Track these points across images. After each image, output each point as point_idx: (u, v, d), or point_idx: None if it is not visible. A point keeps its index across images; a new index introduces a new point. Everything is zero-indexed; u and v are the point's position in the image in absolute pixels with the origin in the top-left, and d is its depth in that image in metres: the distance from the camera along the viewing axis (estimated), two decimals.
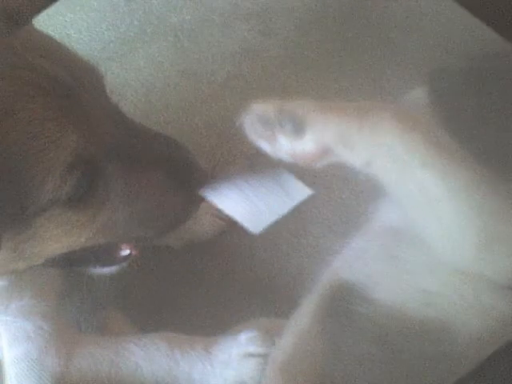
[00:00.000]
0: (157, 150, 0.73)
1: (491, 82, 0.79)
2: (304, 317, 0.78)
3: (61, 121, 0.63)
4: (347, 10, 1.25)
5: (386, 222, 0.81)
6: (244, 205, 0.71)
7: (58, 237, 0.69)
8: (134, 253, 0.85)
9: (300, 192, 0.73)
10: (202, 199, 0.78)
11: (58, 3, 1.33)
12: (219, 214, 1.04)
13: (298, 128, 0.68)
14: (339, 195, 1.06)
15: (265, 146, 0.72)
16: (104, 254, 0.83)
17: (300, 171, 1.07)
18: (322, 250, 0.97)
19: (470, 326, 0.68)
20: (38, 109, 0.62)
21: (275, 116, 0.69)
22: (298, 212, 1.06)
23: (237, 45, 1.24)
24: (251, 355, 0.85)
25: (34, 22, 0.74)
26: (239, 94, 1.18)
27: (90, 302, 0.98)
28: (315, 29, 1.24)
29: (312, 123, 0.68)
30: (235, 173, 0.74)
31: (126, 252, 0.85)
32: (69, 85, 0.65)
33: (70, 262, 0.79)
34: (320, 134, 0.68)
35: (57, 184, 0.63)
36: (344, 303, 0.74)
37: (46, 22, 1.32)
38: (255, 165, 0.74)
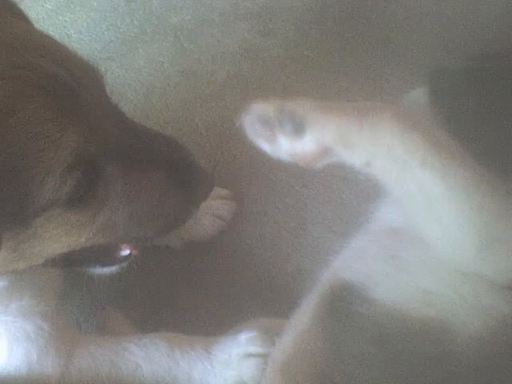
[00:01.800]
0: (157, 150, 0.73)
1: (491, 82, 0.79)
2: (304, 317, 0.78)
3: (61, 121, 0.63)
4: (347, 10, 1.25)
5: (386, 222, 0.81)
6: None
7: (57, 237, 0.69)
8: (134, 253, 0.85)
9: None
10: (202, 199, 0.78)
11: (57, 3, 1.33)
12: (219, 214, 1.04)
13: (298, 128, 0.68)
14: (339, 195, 1.06)
15: (265, 146, 0.72)
16: (104, 253, 0.83)
17: (300, 171, 1.08)
18: (322, 250, 0.97)
19: (470, 326, 0.67)
20: (38, 109, 0.62)
21: (275, 116, 0.69)
22: (298, 212, 1.07)
23: (237, 45, 1.24)
24: (251, 355, 0.85)
25: (33, 22, 0.74)
26: (239, 94, 1.18)
27: (89, 302, 0.98)
28: (315, 29, 1.24)
29: (312, 123, 0.68)
30: None
31: (126, 252, 0.85)
32: (69, 85, 0.65)
33: (70, 262, 0.79)
34: (320, 133, 0.68)
35: (57, 184, 0.63)
36: (344, 303, 0.74)
37: (46, 21, 1.32)
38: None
